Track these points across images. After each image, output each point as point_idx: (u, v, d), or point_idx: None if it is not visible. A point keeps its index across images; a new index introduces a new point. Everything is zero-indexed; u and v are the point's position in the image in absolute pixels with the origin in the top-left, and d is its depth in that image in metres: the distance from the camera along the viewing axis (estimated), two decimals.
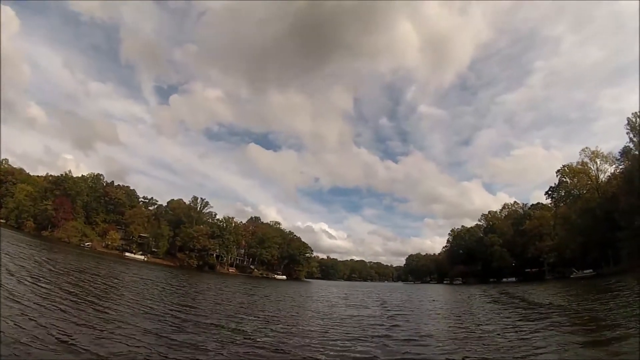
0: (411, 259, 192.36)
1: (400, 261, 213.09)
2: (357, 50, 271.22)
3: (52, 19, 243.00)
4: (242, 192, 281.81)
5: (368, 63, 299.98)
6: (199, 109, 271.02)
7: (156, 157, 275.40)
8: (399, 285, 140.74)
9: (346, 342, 15.33)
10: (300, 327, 18.89)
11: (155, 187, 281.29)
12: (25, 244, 54.52)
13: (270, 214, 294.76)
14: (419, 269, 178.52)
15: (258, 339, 14.68)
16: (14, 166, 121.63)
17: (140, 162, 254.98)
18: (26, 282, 21.11)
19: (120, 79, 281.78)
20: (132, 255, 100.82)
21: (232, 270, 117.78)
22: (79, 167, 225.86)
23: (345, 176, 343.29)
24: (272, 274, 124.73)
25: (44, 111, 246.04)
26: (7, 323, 12.11)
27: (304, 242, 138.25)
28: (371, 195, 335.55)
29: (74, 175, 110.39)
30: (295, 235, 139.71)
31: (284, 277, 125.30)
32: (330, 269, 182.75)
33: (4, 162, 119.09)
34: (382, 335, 17.22)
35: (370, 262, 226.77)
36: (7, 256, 33.32)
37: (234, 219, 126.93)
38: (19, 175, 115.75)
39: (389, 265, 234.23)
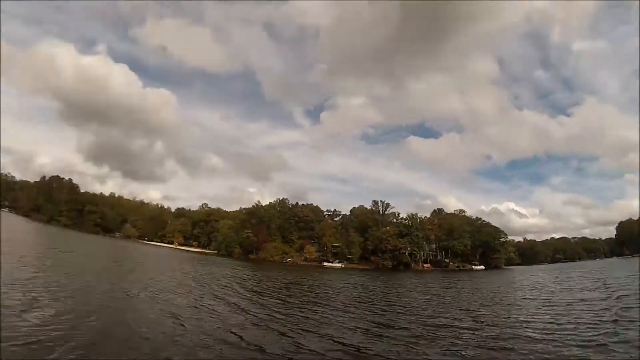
0: (622, 226, 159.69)
1: (609, 231, 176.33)
2: (478, 10, 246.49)
3: (198, 87, 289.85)
4: (415, 186, 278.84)
5: (495, 20, 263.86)
6: (348, 118, 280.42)
7: (325, 172, 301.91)
8: (615, 261, 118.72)
9: None
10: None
11: (332, 199, 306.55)
12: (240, 267, 61.90)
13: (450, 202, 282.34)
14: (635, 239, 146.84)
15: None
16: (212, 207, 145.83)
17: (312, 180, 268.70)
18: (246, 296, 23.46)
19: (272, 113, 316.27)
20: (330, 264, 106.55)
21: (427, 266, 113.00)
22: (263, 196, 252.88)
23: (517, 146, 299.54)
24: (468, 265, 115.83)
25: (221, 158, 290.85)
26: (246, 329, 13.40)
27: (495, 227, 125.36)
28: (552, 160, 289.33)
29: (263, 204, 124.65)
30: (483, 221, 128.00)
31: (482, 267, 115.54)
32: (530, 252, 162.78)
33: (203, 205, 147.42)
34: None
35: (574, 237, 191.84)
36: (228, 277, 37.79)
37: (417, 215, 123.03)
38: (218, 214, 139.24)
39: (597, 238, 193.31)
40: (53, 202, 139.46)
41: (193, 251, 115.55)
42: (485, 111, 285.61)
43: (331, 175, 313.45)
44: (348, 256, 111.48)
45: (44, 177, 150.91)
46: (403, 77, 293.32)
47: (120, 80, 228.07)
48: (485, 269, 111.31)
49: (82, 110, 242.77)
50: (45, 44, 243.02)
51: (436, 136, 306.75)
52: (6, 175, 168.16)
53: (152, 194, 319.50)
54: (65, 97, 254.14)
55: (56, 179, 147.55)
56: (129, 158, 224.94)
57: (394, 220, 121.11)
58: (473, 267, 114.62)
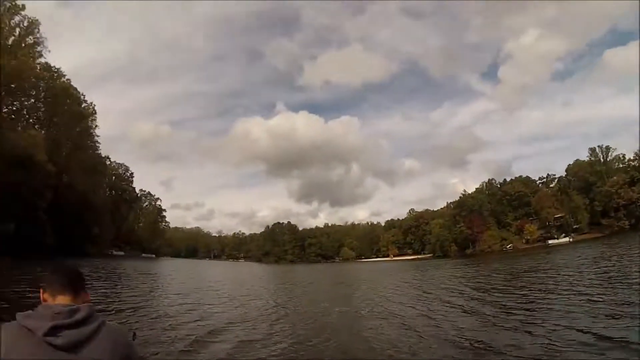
0: None
1: None
2: None
3: (371, 100, 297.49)
4: (631, 114, 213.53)
5: None
6: (529, 62, 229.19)
7: (523, 134, 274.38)
8: None
9: None
10: None
11: (541, 163, 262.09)
12: (457, 266, 58.52)
13: None
14: None
15: None
16: (419, 210, 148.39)
17: (513, 148, 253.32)
18: (470, 295, 21.01)
19: (449, 93, 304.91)
20: (555, 240, 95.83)
21: None
22: (466, 184, 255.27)
23: None
24: None
25: (414, 159, 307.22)
26: (478, 331, 11.86)
27: None
28: None
29: (469, 192, 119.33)
30: None
31: None
32: None
33: (410, 211, 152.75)
34: None
35: None
36: (447, 279, 35.21)
37: None
38: (427, 215, 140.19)
39: None
40: (278, 244, 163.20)
41: (408, 259, 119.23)
42: None
43: (532, 136, 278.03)
44: (574, 226, 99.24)
45: (268, 226, 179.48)
46: None
47: (304, 125, 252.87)
48: None
49: (283, 163, 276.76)
50: (238, 124, 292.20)
51: (635, 37, 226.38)
52: (237, 233, 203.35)
53: (360, 214, 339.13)
54: (267, 158, 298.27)
55: (277, 225, 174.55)
56: (332, 188, 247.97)
57: (620, 165, 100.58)
58: None
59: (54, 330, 1.64)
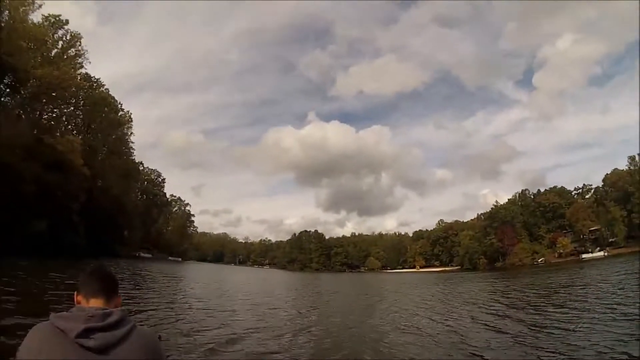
0: None
1: None
2: None
3: (403, 109, 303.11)
4: None
5: None
6: (565, 67, 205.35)
7: (560, 143, 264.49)
8: None
9: None
10: None
11: (578, 173, 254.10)
12: (485, 279, 57.31)
13: None
14: None
15: None
16: (448, 221, 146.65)
17: (549, 158, 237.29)
18: (495, 311, 20.49)
19: (483, 102, 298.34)
20: (589, 255, 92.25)
21: None
22: (497, 195, 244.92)
23: None
24: None
25: (446, 169, 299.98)
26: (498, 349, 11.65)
27: None
28: None
29: (501, 203, 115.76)
30: None
31: None
32: None
33: (439, 222, 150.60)
34: None
35: None
36: (474, 293, 34.59)
37: None
38: (456, 226, 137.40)
39: None
40: (304, 252, 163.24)
41: (435, 271, 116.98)
42: None
43: (568, 144, 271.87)
44: (610, 240, 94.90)
45: (295, 234, 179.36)
46: None
47: (335, 135, 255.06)
48: None
49: (313, 171, 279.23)
50: (270, 134, 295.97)
51: None
52: (264, 240, 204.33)
53: (388, 224, 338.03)
54: (297, 167, 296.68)
55: (304, 233, 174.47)
56: (361, 197, 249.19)
57: None
58: None
59: (86, 333, 1.68)
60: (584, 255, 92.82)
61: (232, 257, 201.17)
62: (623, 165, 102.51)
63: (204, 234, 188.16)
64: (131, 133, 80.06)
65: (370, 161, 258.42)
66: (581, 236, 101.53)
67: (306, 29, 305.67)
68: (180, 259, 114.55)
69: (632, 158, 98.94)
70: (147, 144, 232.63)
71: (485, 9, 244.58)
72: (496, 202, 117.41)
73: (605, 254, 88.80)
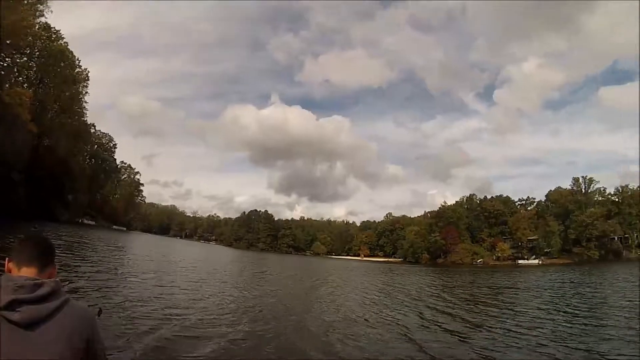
0: None
1: None
2: None
3: (367, 104, 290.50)
4: (619, 151, 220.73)
5: None
6: (525, 88, 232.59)
7: (510, 157, 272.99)
8: None
9: None
10: None
11: (523, 186, 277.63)
12: (427, 273, 58.92)
13: None
14: None
15: None
16: (396, 215, 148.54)
17: (497, 168, 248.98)
18: (427, 303, 21.31)
19: (444, 107, 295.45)
20: (525, 261, 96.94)
21: None
22: (444, 196, 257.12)
23: None
24: None
25: (400, 166, 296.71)
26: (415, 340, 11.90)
27: None
28: None
29: (448, 204, 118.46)
30: None
31: None
32: None
33: (387, 215, 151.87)
34: None
35: None
36: (413, 284, 36.10)
37: (629, 186, 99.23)
38: (403, 221, 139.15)
39: None
40: (252, 232, 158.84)
41: (379, 261, 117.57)
42: None
43: (518, 158, 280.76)
44: (546, 250, 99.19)
45: (244, 212, 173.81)
46: (575, 17, 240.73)
47: (296, 119, 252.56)
48: None
49: (268, 152, 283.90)
50: (230, 110, 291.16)
51: (632, 78, 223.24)
52: (212, 215, 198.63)
53: (336, 211, 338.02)
54: (253, 146, 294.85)
55: (254, 212, 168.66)
56: (313, 183, 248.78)
57: (600, 198, 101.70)
58: None
59: (12, 305, 1.50)
60: (520, 261, 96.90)
61: (179, 230, 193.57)
62: (566, 184, 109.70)
63: (151, 204, 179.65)
64: (86, 92, 74.62)
65: (327, 149, 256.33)
66: (520, 243, 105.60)
67: (281, 10, 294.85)
68: (125, 229, 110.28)
69: (576, 179, 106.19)
70: (101, 106, 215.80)
71: (459, 20, 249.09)
72: (444, 202, 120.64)
73: (540, 262, 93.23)
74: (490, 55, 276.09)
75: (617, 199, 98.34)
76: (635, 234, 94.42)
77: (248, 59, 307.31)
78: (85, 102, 75.83)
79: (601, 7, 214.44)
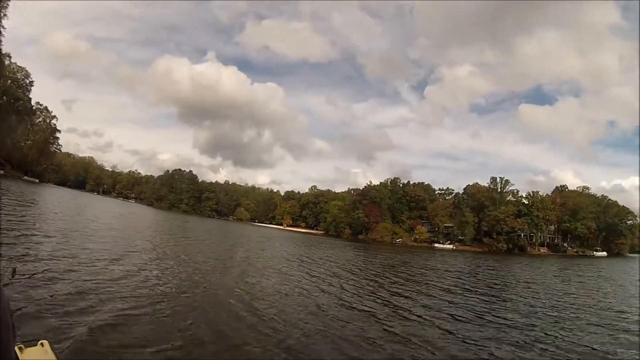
0: None
1: None
2: None
3: (303, 76, 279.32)
4: (528, 161, 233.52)
5: None
6: (455, 90, 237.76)
7: (432, 149, 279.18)
8: None
9: None
10: None
11: (439, 177, 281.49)
12: (350, 247, 60.60)
13: (567, 178, 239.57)
14: None
15: None
16: (320, 189, 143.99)
17: (418, 158, 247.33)
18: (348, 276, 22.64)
19: (377, 93, 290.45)
20: (441, 245, 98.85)
21: (543, 250, 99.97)
22: (366, 176, 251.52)
23: None
24: (588, 250, 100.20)
25: (327, 142, 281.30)
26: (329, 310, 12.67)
27: (623, 207, 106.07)
28: None
29: (368, 184, 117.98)
30: (611, 200, 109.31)
31: (604, 253, 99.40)
32: None
33: (312, 188, 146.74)
34: None
35: None
36: (336, 257, 37.10)
37: (539, 192, 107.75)
38: (328, 195, 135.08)
39: None
40: (175, 192, 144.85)
41: (301, 232, 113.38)
42: (607, 68, 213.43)
43: (438, 152, 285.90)
44: (460, 237, 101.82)
45: (167, 171, 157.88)
46: (511, 39, 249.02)
47: (230, 80, 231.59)
48: (608, 256, 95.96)
49: (198, 111, 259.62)
50: (162, 60, 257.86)
51: (551, 102, 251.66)
52: (133, 171, 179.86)
53: (260, 179, 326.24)
54: (183, 102, 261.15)
55: (178, 172, 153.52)
56: (239, 148, 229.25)
57: (512, 198, 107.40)
58: (595, 253, 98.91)
59: None
60: (436, 245, 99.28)
61: (96, 185, 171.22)
62: (478, 181, 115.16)
63: (67, 154, 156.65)
64: (4, 15, 58.12)
65: (257, 115, 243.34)
66: (437, 229, 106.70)
67: None
68: (37, 181, 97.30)
69: (494, 179, 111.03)
70: (22, 38, 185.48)
71: (407, 17, 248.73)
72: (370, 182, 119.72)
73: (454, 247, 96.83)
74: (428, 55, 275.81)
75: (527, 202, 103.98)
76: (540, 234, 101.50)
77: (189, 8, 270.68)
78: (3, 28, 59.78)
79: (538, 34, 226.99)
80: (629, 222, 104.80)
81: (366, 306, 14.24)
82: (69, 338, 7.26)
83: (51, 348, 2.73)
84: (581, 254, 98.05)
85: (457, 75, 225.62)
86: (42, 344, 2.74)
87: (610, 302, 21.31)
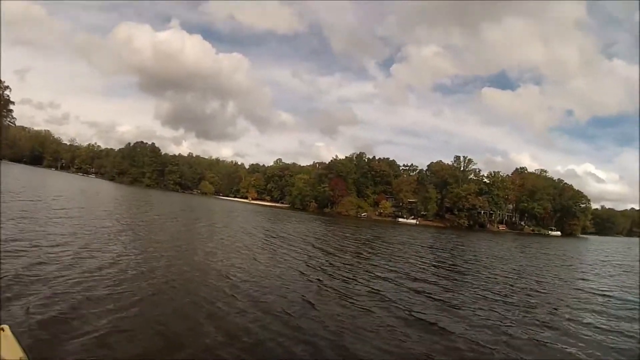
0: None
1: None
2: None
3: (269, 48, 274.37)
4: (488, 142, 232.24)
5: None
6: (420, 70, 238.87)
7: (396, 125, 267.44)
8: None
9: None
10: None
11: (403, 153, 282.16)
12: (316, 220, 59.90)
13: (524, 160, 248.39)
14: None
15: None
16: (285, 162, 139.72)
17: (383, 134, 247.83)
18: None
19: (343, 68, 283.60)
20: (404, 220, 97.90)
21: (501, 227, 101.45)
22: (329, 150, 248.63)
23: (603, 102, 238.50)
24: (544, 230, 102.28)
25: (291, 115, 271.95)
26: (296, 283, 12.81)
27: (578, 191, 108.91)
28: None
29: (331, 158, 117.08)
30: (566, 184, 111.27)
31: (558, 232, 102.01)
32: (607, 223, 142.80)
33: (277, 161, 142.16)
34: None
35: None
36: (303, 229, 36.85)
37: (500, 173, 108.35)
38: (293, 168, 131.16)
39: None
40: (137, 165, 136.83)
41: (266, 205, 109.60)
42: (568, 60, 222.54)
43: (402, 129, 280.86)
44: (422, 213, 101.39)
45: (129, 143, 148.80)
46: (479, 24, 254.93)
47: (194, 49, 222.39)
48: (561, 236, 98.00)
49: (160, 81, 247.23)
50: (123, 27, 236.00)
51: (513, 88, 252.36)
52: (92, 145, 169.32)
53: (224, 151, 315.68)
54: (144, 72, 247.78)
55: (140, 144, 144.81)
56: (203, 120, 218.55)
57: (474, 177, 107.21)
58: (550, 232, 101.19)
59: None
60: (399, 219, 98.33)
61: (54, 160, 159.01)
62: (440, 158, 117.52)
63: (22, 128, 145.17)
64: None
65: (221, 86, 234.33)
66: (400, 204, 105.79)
67: None
68: None
69: (457, 157, 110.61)
70: None
71: None
72: (336, 156, 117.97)
73: (417, 222, 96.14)
74: (396, 33, 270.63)
75: (488, 181, 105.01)
76: (499, 212, 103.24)
77: None
78: None
79: (505, 22, 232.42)
80: (582, 205, 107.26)
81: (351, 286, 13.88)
82: (31, 323, 6.93)
83: (13, 334, 2.80)
84: (537, 232, 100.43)
85: (423, 55, 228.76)
86: (2, 329, 2.82)
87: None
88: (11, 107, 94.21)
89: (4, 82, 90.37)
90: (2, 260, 10.00)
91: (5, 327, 2.66)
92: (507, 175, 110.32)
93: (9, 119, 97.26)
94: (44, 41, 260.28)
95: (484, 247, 41.97)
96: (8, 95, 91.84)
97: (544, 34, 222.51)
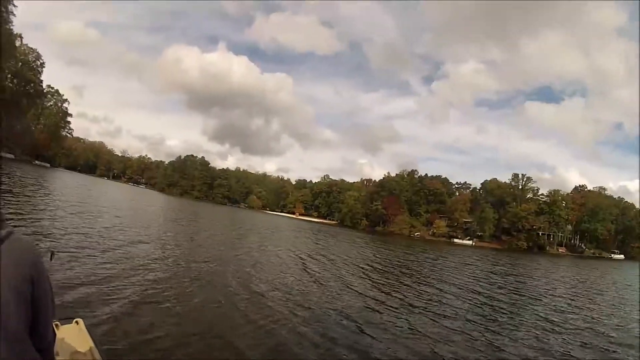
0: None
1: None
2: None
3: (311, 67, 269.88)
4: (533, 157, 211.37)
5: None
6: (460, 86, 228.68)
7: (439, 142, 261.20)
8: None
9: None
10: None
11: (446, 170, 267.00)
12: (370, 240, 56.97)
13: (572, 177, 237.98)
14: None
15: None
16: (332, 178, 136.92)
17: (425, 151, 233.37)
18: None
19: (384, 84, 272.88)
20: (460, 240, 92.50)
21: (561, 250, 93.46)
22: (372, 167, 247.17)
23: None
24: (606, 253, 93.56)
25: (333, 131, 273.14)
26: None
27: None
28: None
29: (374, 175, 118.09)
30: (628, 202, 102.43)
31: (622, 256, 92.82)
32: None
33: (325, 177, 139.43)
34: None
35: None
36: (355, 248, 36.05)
37: (560, 192, 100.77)
38: (341, 185, 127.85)
39: None
40: (186, 178, 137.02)
41: (314, 221, 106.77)
42: (612, 70, 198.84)
43: (445, 145, 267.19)
44: (478, 233, 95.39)
45: (180, 156, 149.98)
46: (516, 37, 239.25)
47: (240, 69, 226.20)
48: (625, 259, 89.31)
49: (206, 98, 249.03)
50: (172, 49, 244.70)
51: (557, 101, 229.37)
52: (143, 157, 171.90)
53: (267, 166, 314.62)
54: (192, 90, 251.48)
55: (190, 157, 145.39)
56: (248, 135, 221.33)
57: (532, 196, 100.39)
58: (612, 255, 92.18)
59: None
60: (455, 240, 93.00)
61: (106, 170, 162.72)
62: (485, 176, 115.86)
63: (77, 139, 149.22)
64: None
65: (265, 104, 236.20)
66: (455, 223, 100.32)
67: None
68: (48, 165, 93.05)
69: (516, 175, 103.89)
70: (30, 24, 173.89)
71: (413, 11, 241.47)
72: (388, 173, 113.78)
73: (473, 243, 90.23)
74: (434, 49, 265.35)
75: (548, 200, 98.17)
76: (560, 233, 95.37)
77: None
78: (14, 6, 53.76)
79: (542, 36, 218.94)
80: None
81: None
82: (102, 318, 7.05)
83: (85, 326, 2.85)
84: (599, 255, 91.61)
85: (462, 72, 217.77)
86: (77, 322, 2.88)
87: None
88: (69, 119, 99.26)
89: (63, 95, 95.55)
90: (71, 258, 10.20)
91: (80, 320, 2.76)
92: (567, 193, 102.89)
93: (66, 130, 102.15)
94: (99, 60, 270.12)
95: (562, 275, 36.84)
96: (66, 108, 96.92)
97: (583, 44, 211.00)
